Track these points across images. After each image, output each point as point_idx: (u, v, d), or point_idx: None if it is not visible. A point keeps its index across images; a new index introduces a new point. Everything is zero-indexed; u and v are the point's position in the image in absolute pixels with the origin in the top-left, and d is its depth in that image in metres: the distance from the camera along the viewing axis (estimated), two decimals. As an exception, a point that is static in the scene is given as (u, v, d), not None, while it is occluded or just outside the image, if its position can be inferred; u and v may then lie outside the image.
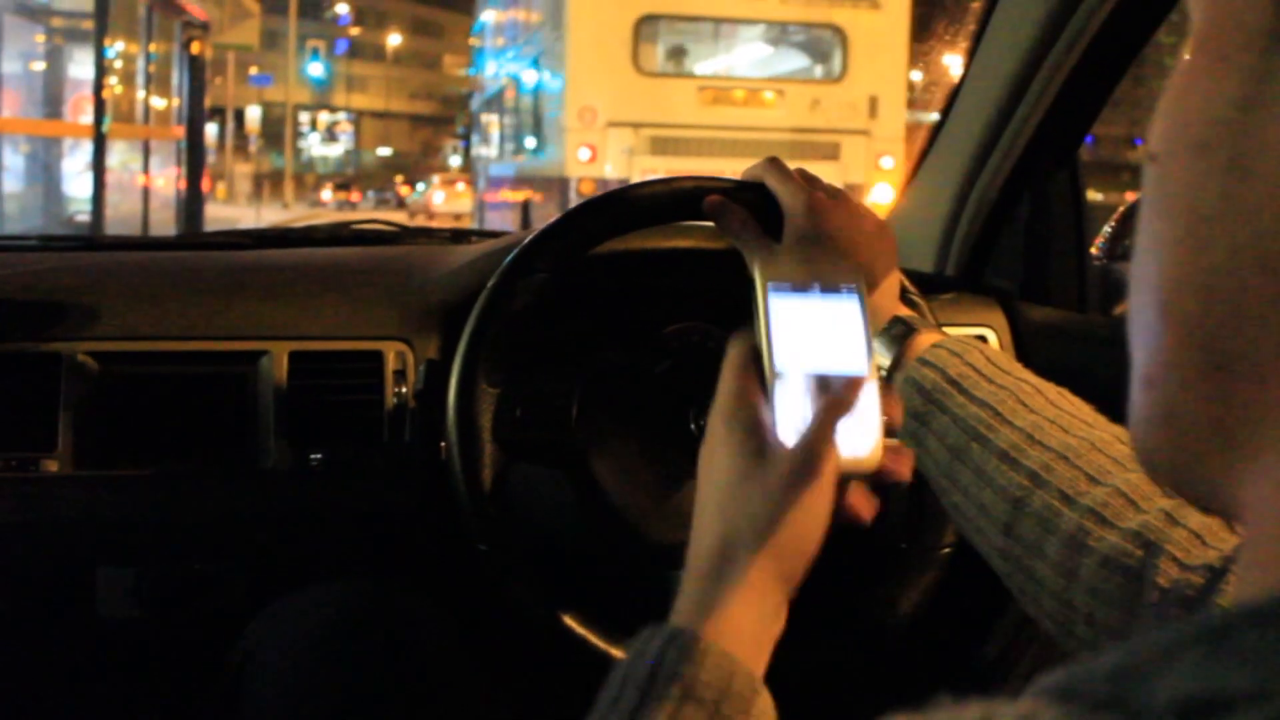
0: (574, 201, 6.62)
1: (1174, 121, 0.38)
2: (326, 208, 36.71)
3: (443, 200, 30.92)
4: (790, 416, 0.74)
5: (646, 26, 9.83)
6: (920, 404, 0.93)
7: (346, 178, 47.24)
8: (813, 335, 0.77)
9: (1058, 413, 0.88)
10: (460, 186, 31.06)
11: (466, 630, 1.22)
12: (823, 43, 10.06)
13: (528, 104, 11.41)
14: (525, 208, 11.29)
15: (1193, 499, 0.41)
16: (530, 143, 11.30)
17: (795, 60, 10.38)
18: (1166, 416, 0.40)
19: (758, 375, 0.76)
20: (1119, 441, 0.84)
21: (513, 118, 12.12)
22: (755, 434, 0.73)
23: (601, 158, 9.80)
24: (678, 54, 10.11)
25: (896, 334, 0.99)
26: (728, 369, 0.77)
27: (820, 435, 0.72)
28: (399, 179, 43.29)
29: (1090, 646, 0.77)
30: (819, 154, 9.27)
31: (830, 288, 0.79)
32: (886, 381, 0.98)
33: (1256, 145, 0.35)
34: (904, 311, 1.02)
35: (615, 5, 9.60)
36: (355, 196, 40.91)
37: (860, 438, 0.74)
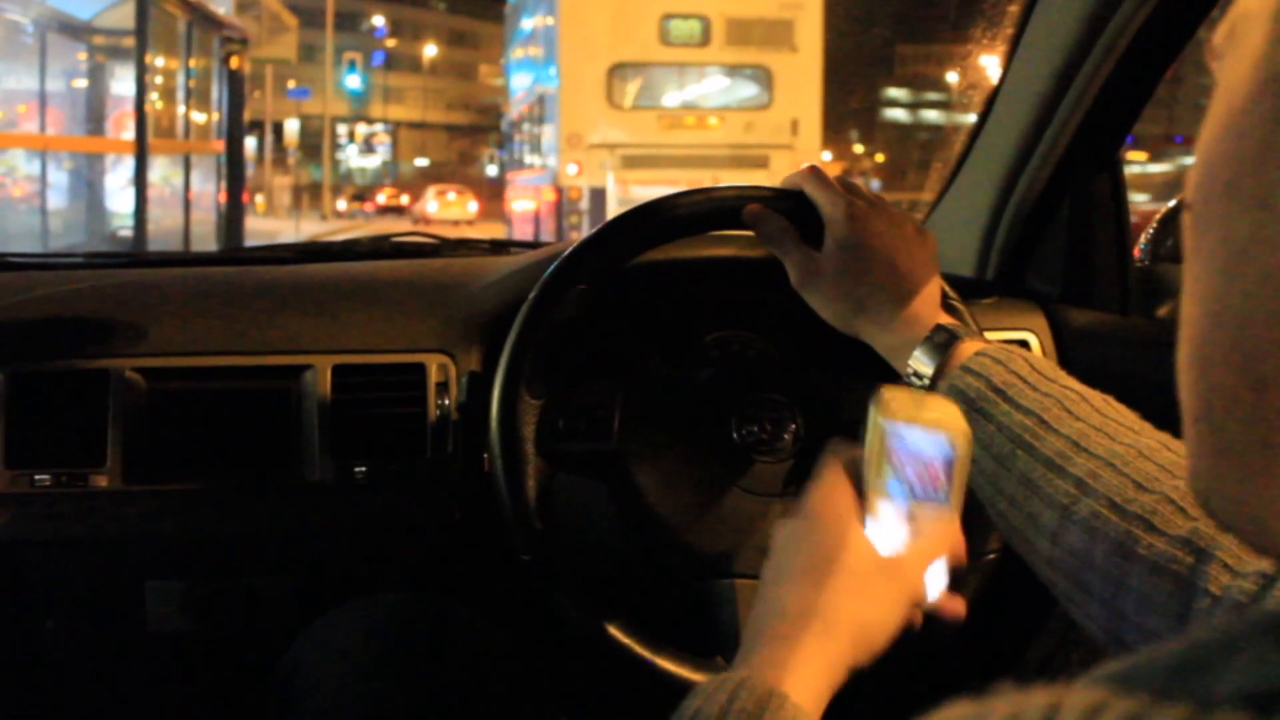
0: (568, 205, 8.79)
1: (1204, 170, 0.41)
2: (342, 217, 37.81)
3: (436, 209, 33.46)
4: (879, 530, 0.84)
5: (617, 72, 12.39)
6: (964, 412, 0.93)
7: (366, 190, 48.63)
8: (909, 466, 0.85)
9: (1103, 420, 0.87)
10: (451, 196, 33.99)
11: (512, 641, 1.23)
12: (755, 79, 12.46)
13: (535, 129, 14.00)
14: (536, 218, 13.97)
15: (1247, 536, 0.42)
16: (538, 158, 13.82)
17: (733, 93, 12.67)
18: (1217, 445, 0.41)
19: (853, 483, 0.85)
20: (1166, 448, 0.84)
21: (528, 138, 14.93)
22: (841, 533, 0.83)
23: (586, 171, 12.20)
24: (642, 91, 12.51)
25: (939, 342, 0.99)
26: (826, 470, 0.86)
27: (918, 555, 0.84)
28: (390, 189, 45.57)
29: None
30: (752, 164, 11.73)
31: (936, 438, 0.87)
32: (932, 386, 0.98)
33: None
34: (946, 319, 1.02)
35: (593, 55, 12.06)
36: (369, 206, 42.62)
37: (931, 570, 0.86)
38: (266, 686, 1.21)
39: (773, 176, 11.05)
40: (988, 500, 0.92)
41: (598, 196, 11.86)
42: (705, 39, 12.23)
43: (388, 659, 1.15)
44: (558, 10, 12.15)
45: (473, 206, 33.31)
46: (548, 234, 13.02)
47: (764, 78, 12.32)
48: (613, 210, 11.43)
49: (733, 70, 12.56)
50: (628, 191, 11.38)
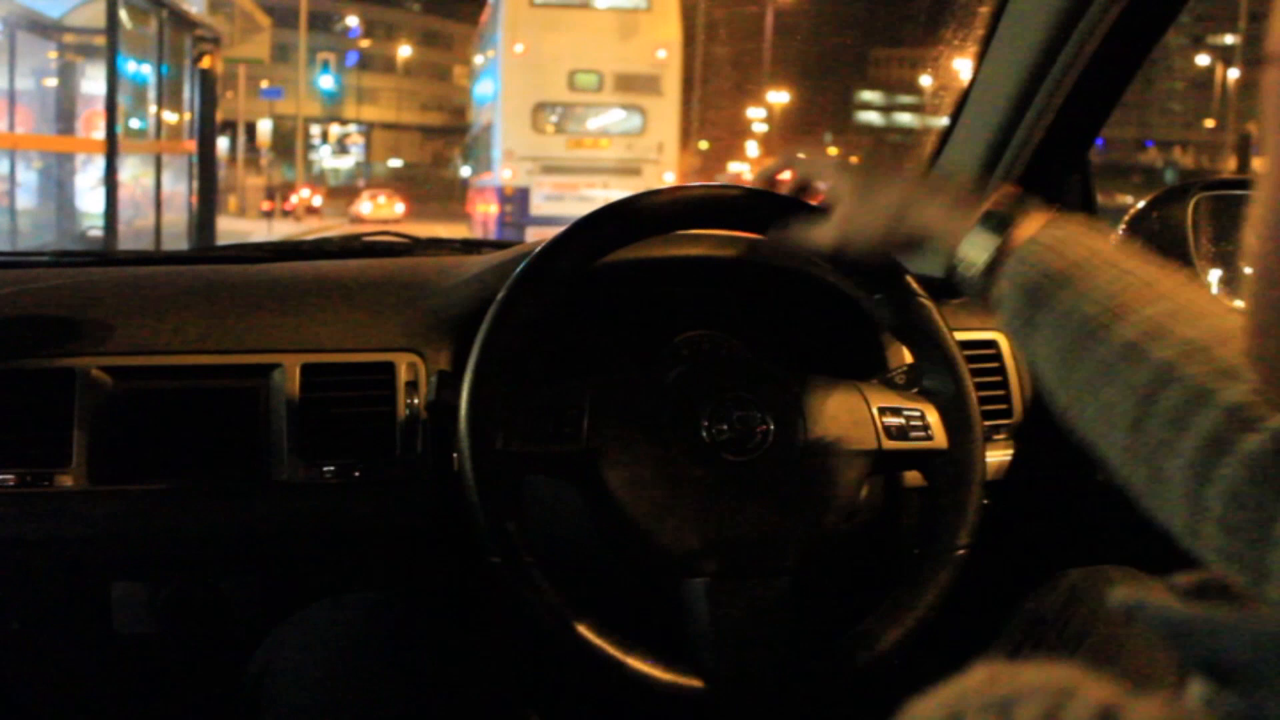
0: (504, 198, 16.46)
1: None
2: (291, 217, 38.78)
3: (369, 209, 38.17)
4: None
5: (539, 108, 17.82)
6: (1024, 305, 0.89)
7: (285, 189, 48.81)
8: None
9: (1179, 304, 0.83)
10: (381, 199, 39.11)
11: (482, 641, 1.22)
12: (633, 114, 17.88)
13: (485, 142, 19.68)
14: (486, 214, 19.08)
15: None
16: (486, 165, 19.37)
17: (619, 124, 18.04)
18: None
19: None
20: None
21: (481, 150, 20.85)
22: None
23: (515, 176, 17.42)
24: (556, 121, 17.95)
25: (991, 226, 0.94)
26: None
27: None
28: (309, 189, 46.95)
29: (1220, 554, 0.73)
30: (631, 173, 16.91)
31: None
32: (986, 278, 0.94)
33: None
34: (993, 205, 0.96)
35: (524, 97, 17.56)
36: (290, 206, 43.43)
37: None
38: (236, 686, 1.20)
39: (645, 182, 16.57)
40: (1052, 394, 0.88)
41: (523, 193, 17.26)
42: (600, 87, 17.82)
43: (358, 659, 1.15)
44: (500, 64, 17.95)
45: (399, 208, 38.57)
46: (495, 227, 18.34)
47: (640, 113, 17.77)
48: (535, 203, 17.11)
49: (618, 108, 18.00)
50: (545, 189, 17.31)
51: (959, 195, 0.98)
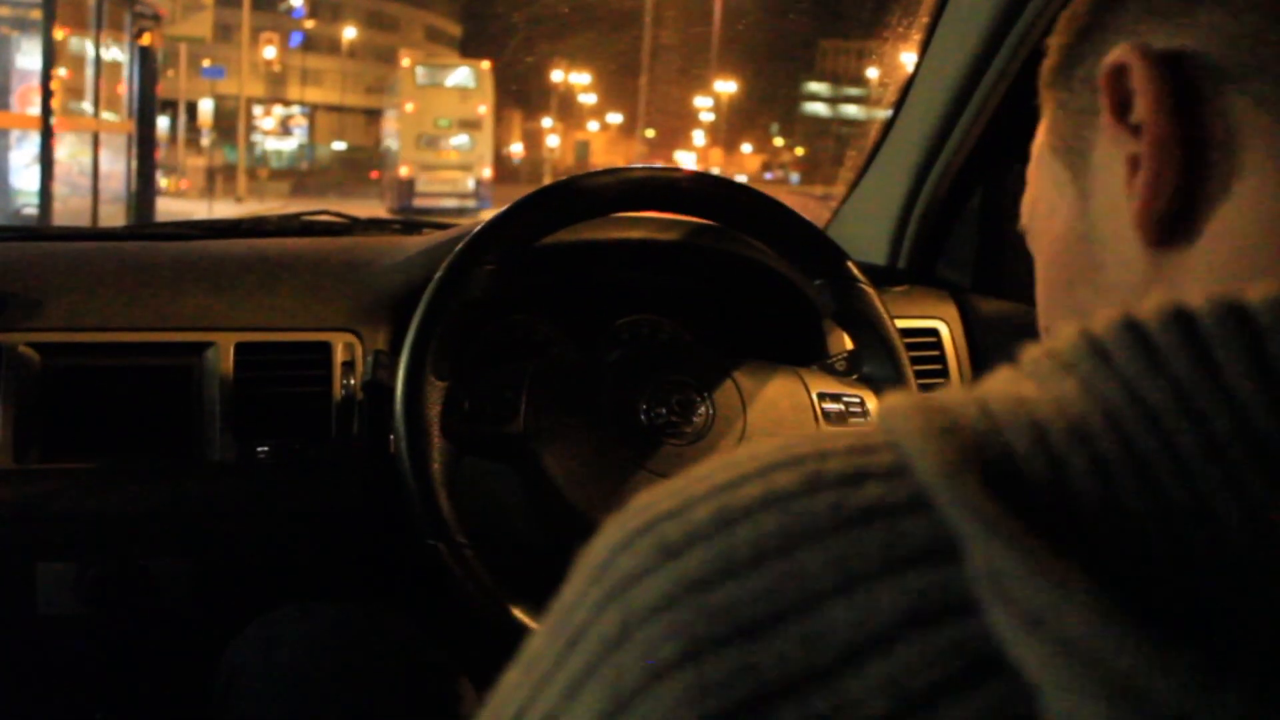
0: (399, 183, 30.12)
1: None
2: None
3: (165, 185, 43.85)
4: None
5: (419, 136, 28.47)
6: None
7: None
8: None
9: None
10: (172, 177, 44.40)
11: (450, 656, 1.21)
12: (468, 138, 28.64)
13: (392, 153, 30.26)
14: (390, 194, 29.64)
15: None
16: (393, 164, 30.03)
17: (461, 143, 28.59)
18: None
19: None
20: None
21: (389, 156, 31.49)
22: None
23: (409, 171, 28.05)
24: (429, 142, 28.53)
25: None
26: None
27: None
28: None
29: None
30: (466, 169, 28.48)
31: None
32: None
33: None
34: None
35: (412, 130, 28.57)
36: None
37: None
38: (179, 677, 1.17)
39: (474, 174, 28.17)
40: None
41: (411, 180, 27.69)
42: (451, 126, 28.60)
43: (327, 667, 1.13)
44: (400, 114, 29.00)
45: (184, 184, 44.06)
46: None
47: (472, 138, 28.63)
48: (418, 186, 27.60)
49: (461, 135, 28.64)
50: (423, 178, 27.92)
51: None
